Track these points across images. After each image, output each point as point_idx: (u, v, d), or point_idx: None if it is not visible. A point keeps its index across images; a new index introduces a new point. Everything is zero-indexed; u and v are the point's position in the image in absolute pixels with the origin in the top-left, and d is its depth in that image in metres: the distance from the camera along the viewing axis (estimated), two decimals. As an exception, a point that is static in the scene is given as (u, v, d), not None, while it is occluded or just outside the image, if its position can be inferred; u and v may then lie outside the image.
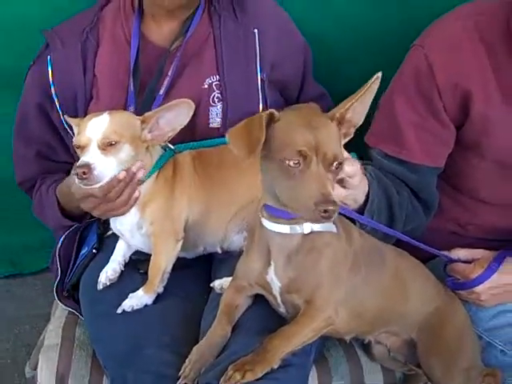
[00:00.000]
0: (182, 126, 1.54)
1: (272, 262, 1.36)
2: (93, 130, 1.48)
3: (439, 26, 1.63)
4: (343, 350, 1.66)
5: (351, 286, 1.40)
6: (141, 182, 1.55)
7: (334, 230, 1.35)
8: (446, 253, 1.63)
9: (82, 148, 1.48)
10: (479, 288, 1.59)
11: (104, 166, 1.46)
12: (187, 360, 1.39)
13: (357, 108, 1.30)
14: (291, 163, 1.22)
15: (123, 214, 1.57)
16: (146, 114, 1.54)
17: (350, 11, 2.03)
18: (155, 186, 1.58)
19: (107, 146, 1.47)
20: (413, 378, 1.67)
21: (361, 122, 1.33)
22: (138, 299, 1.56)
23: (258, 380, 1.30)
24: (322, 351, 1.65)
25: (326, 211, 1.19)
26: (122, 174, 1.49)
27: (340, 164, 1.26)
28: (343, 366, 1.64)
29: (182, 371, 1.37)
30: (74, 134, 1.61)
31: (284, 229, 1.33)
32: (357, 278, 1.41)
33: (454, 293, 1.62)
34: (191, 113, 1.52)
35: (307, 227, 1.33)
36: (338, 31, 2.05)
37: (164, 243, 1.59)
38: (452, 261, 1.64)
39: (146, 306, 1.56)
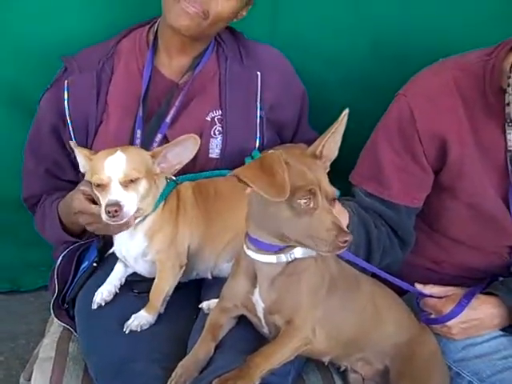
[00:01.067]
0: (189, 160, 1.65)
1: (257, 285, 1.47)
2: (112, 168, 1.56)
3: (422, 76, 1.76)
4: (320, 374, 1.73)
5: (328, 308, 1.50)
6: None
7: (314, 254, 1.46)
8: (419, 287, 1.73)
9: (104, 186, 1.56)
10: (450, 322, 1.69)
11: (129, 203, 1.55)
12: (173, 374, 1.47)
13: (331, 144, 1.42)
14: (302, 202, 1.31)
15: (116, 233, 1.66)
16: (155, 150, 1.65)
17: (346, 57, 2.16)
18: (162, 216, 1.68)
19: (129, 183, 1.56)
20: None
21: (334, 157, 1.45)
22: (143, 319, 1.64)
23: (239, 395, 1.39)
24: (301, 374, 1.73)
25: (345, 241, 1.31)
26: None
27: (335, 199, 1.38)
28: (320, 389, 1.72)
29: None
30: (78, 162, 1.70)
31: (271, 259, 1.44)
32: (333, 300, 1.51)
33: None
34: (197, 147, 1.63)
35: (298, 253, 1.43)
36: (333, 76, 2.18)
37: (169, 269, 1.69)
38: (424, 296, 1.74)
39: (150, 325, 1.64)
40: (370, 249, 1.74)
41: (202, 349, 1.51)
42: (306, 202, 1.32)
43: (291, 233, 1.35)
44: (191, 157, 1.65)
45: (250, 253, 1.46)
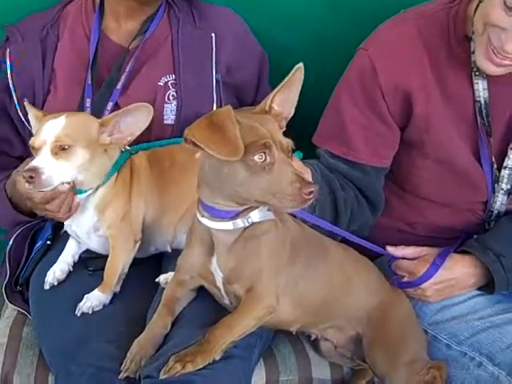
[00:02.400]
0: (142, 130, 1.56)
1: (215, 254, 1.38)
2: (48, 132, 1.48)
3: (383, 29, 1.68)
4: (291, 345, 1.68)
5: (292, 273, 1.42)
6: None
7: (273, 216, 1.38)
8: (390, 249, 1.65)
9: (36, 150, 1.48)
10: (424, 284, 1.61)
11: (54, 171, 1.46)
12: (128, 353, 1.40)
13: (284, 100, 1.33)
14: (257, 158, 1.23)
15: (65, 220, 1.58)
16: (105, 118, 1.56)
17: (304, 15, 2.07)
18: (114, 189, 1.59)
19: (59, 150, 1.47)
20: (360, 373, 1.68)
21: (291, 115, 1.36)
22: (96, 299, 1.56)
23: (198, 370, 1.31)
24: (271, 347, 1.66)
25: (311, 192, 1.22)
26: (65, 187, 1.49)
27: (293, 151, 1.30)
28: (291, 361, 1.65)
29: (123, 364, 1.38)
30: (29, 124, 1.63)
31: (227, 226, 1.35)
32: (297, 265, 1.43)
33: (398, 288, 1.65)
34: (150, 117, 1.54)
35: (255, 217, 1.35)
36: (295, 38, 2.09)
37: (122, 245, 1.60)
38: (396, 259, 1.66)
39: (104, 306, 1.56)
40: (337, 210, 1.66)
41: (157, 324, 1.43)
42: (261, 158, 1.23)
43: (251, 193, 1.26)
44: (144, 127, 1.56)
45: (204, 220, 1.36)
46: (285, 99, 1.34)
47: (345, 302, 1.54)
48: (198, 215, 1.37)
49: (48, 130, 1.49)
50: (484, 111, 1.60)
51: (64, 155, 1.48)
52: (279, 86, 1.33)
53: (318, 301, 1.49)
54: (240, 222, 1.35)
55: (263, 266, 1.38)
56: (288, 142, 1.28)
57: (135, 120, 1.54)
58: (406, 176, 1.75)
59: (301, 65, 1.35)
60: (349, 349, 1.61)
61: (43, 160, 1.46)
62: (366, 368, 1.65)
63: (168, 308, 1.45)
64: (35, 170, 1.44)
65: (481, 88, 1.59)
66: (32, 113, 1.60)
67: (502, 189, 1.67)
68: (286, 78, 1.33)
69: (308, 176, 1.54)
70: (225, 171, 1.26)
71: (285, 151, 1.27)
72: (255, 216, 1.36)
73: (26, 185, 1.45)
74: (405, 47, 1.62)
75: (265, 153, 1.23)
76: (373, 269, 1.62)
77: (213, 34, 1.78)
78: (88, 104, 1.71)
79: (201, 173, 1.33)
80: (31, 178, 1.43)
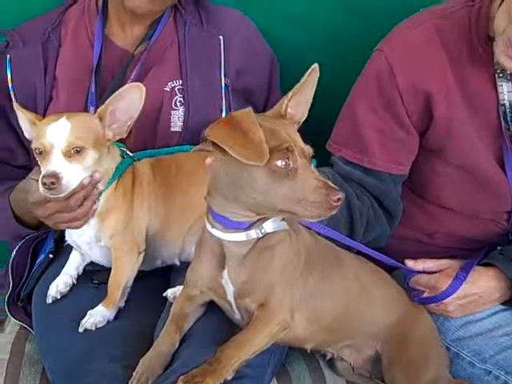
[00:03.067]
0: (139, 112, 1.49)
1: (226, 266, 1.31)
2: (54, 135, 1.43)
3: (400, 30, 1.62)
4: (306, 363, 1.60)
5: (307, 286, 1.35)
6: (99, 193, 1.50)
7: (287, 227, 1.31)
8: (410, 264, 1.56)
9: (45, 154, 1.42)
10: (447, 299, 1.53)
11: (71, 175, 1.42)
12: (134, 372, 1.32)
13: (298, 103, 1.27)
14: (279, 163, 1.16)
15: (78, 227, 1.51)
16: (99, 110, 1.50)
17: (316, 15, 2.02)
18: (115, 196, 1.53)
19: (73, 152, 1.42)
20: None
21: (304, 118, 1.30)
22: (99, 315, 1.50)
23: (211, 393, 1.24)
24: (284, 364, 1.59)
25: (338, 199, 1.16)
26: (87, 180, 1.45)
27: (311, 159, 1.23)
28: (306, 380, 1.57)
29: None
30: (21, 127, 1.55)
31: (240, 237, 1.28)
32: (312, 279, 1.36)
33: (419, 303, 1.57)
34: (143, 96, 1.48)
35: (268, 227, 1.28)
36: (307, 41, 2.03)
37: (125, 256, 1.54)
38: (416, 273, 1.57)
39: (108, 322, 1.50)
40: (352, 222, 1.59)
41: (164, 342, 1.36)
42: (283, 163, 1.17)
43: (273, 201, 1.19)
44: (140, 108, 1.48)
45: (215, 232, 1.29)
46: (298, 102, 1.28)
47: (362, 316, 1.46)
48: (208, 226, 1.30)
49: (54, 133, 1.43)
50: (509, 115, 1.53)
51: (77, 157, 1.43)
52: (295, 89, 1.27)
53: (334, 315, 1.42)
54: (253, 233, 1.28)
55: (277, 279, 1.30)
56: (309, 149, 1.22)
57: (129, 103, 1.48)
58: (426, 184, 1.68)
59: (316, 66, 1.29)
60: (366, 369, 1.53)
61: (59, 164, 1.41)
62: (384, 387, 1.58)
63: (176, 324, 1.38)
64: (56, 175, 1.39)
65: (505, 90, 1.52)
66: (25, 116, 1.52)
67: None
68: (302, 80, 1.27)
69: None
70: (244, 177, 1.18)
71: (306, 157, 1.21)
72: (269, 226, 1.29)
73: (43, 190, 1.39)
74: (423, 48, 1.55)
75: (288, 158, 1.17)
76: (391, 282, 1.54)
77: (221, 37, 1.72)
78: (92, 112, 1.64)
79: (213, 180, 1.25)
80: (53, 183, 1.38)
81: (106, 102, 1.49)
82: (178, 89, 1.69)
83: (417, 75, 1.53)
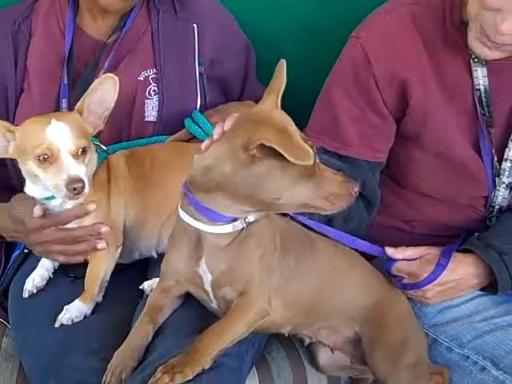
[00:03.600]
0: (114, 102, 1.48)
1: (203, 256, 1.30)
2: (58, 138, 1.39)
3: (375, 16, 1.61)
4: (285, 352, 1.60)
5: (283, 272, 1.35)
6: None
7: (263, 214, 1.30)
8: (390, 251, 1.55)
9: (52, 159, 1.38)
10: (426, 286, 1.53)
11: (85, 176, 1.40)
12: (108, 366, 1.31)
13: None
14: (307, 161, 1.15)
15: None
16: (78, 106, 1.47)
17: (292, 4, 2.01)
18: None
19: (79, 154, 1.41)
20: (359, 382, 1.61)
21: None
22: (76, 310, 1.48)
23: (187, 382, 1.23)
24: (264, 354, 1.59)
25: (357, 190, 1.23)
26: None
27: None
28: (285, 369, 1.58)
29: (103, 378, 1.30)
30: None
31: (226, 229, 1.27)
32: (287, 262, 1.36)
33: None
34: (117, 86, 1.46)
35: (251, 216, 1.28)
36: (283, 29, 2.03)
37: (103, 251, 1.51)
38: (394, 260, 1.56)
39: (85, 316, 1.48)
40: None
41: (138, 335, 1.35)
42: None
43: (299, 199, 1.21)
44: (115, 98, 1.47)
45: (198, 225, 1.26)
46: None
47: (338, 298, 1.46)
48: (189, 219, 1.27)
49: (56, 135, 1.39)
50: (484, 100, 1.52)
51: (82, 158, 1.42)
52: (283, 88, 1.27)
53: (310, 298, 1.41)
54: (239, 224, 1.27)
55: (256, 267, 1.30)
56: (312, 144, 1.22)
57: (103, 94, 1.47)
58: (403, 171, 1.68)
59: (283, 60, 1.31)
60: (347, 351, 1.53)
61: (76, 167, 1.39)
62: (364, 377, 1.58)
63: (150, 317, 1.37)
64: (81, 179, 1.37)
65: (480, 75, 1.52)
66: None
67: (504, 182, 1.59)
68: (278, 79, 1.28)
69: None
70: (278, 179, 1.18)
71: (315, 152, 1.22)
72: (251, 215, 1.28)
73: (71, 198, 1.38)
74: (399, 35, 1.54)
75: (314, 155, 1.18)
76: (366, 264, 1.54)
77: (195, 25, 1.70)
78: (64, 104, 1.63)
79: (215, 178, 1.20)
80: (82, 188, 1.37)
81: (83, 97, 1.47)
82: (151, 78, 1.67)
83: (392, 63, 1.53)
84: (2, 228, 1.57)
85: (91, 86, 1.46)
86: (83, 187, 1.38)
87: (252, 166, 1.17)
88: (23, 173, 1.46)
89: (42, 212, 1.46)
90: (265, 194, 1.19)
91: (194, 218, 1.27)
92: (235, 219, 1.26)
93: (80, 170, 1.40)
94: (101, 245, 1.47)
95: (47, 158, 1.39)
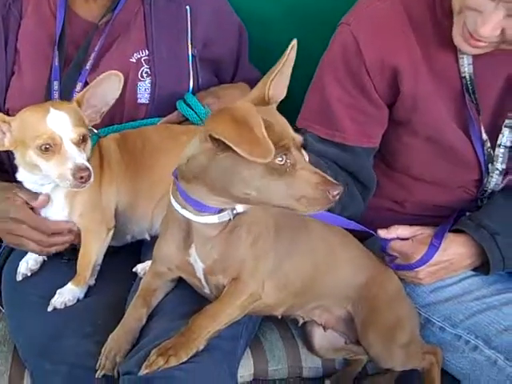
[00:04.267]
0: (115, 99, 1.47)
1: (193, 245, 1.29)
2: (59, 127, 1.38)
3: (365, 2, 1.59)
4: (279, 333, 1.61)
5: (276, 254, 1.34)
6: None
7: None
8: (382, 233, 1.56)
9: (54, 148, 1.37)
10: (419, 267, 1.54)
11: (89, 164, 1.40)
12: (103, 349, 1.32)
13: (276, 83, 1.21)
14: (278, 160, 1.11)
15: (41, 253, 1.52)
16: (77, 97, 1.46)
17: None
18: None
19: (81, 142, 1.40)
20: (353, 363, 1.62)
21: (283, 97, 1.24)
22: (69, 294, 1.48)
23: (181, 364, 1.23)
24: (258, 336, 1.60)
25: (338, 193, 1.13)
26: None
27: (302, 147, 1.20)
28: (279, 350, 1.59)
29: (98, 362, 1.31)
30: None
31: (212, 219, 1.25)
32: (280, 245, 1.35)
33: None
34: (121, 84, 1.46)
35: (239, 207, 1.26)
36: (276, 11, 2.01)
37: (95, 234, 1.52)
38: (388, 241, 1.57)
39: (78, 300, 1.48)
40: None
41: (132, 317, 1.35)
42: (281, 160, 1.12)
43: (269, 198, 1.14)
44: (117, 96, 1.47)
45: (185, 213, 1.25)
46: (277, 81, 1.22)
47: (330, 278, 1.46)
48: (178, 206, 1.26)
49: (57, 124, 1.38)
50: (470, 87, 1.52)
51: (83, 146, 1.42)
52: (276, 71, 1.20)
53: (302, 279, 1.42)
54: (226, 215, 1.25)
55: (248, 254, 1.30)
56: (300, 138, 1.17)
57: (107, 90, 1.46)
58: (394, 155, 1.68)
59: (295, 42, 1.22)
60: (340, 330, 1.54)
61: (80, 155, 1.39)
62: (359, 358, 1.59)
63: (143, 299, 1.37)
64: (87, 167, 1.37)
65: (466, 63, 1.51)
66: None
67: (497, 169, 1.59)
68: (283, 59, 1.21)
69: None
70: (242, 174, 1.13)
71: (298, 148, 1.16)
72: (240, 206, 1.26)
73: (78, 186, 1.38)
74: (389, 21, 1.53)
75: (286, 154, 1.12)
76: (357, 244, 1.54)
77: (187, 7, 1.69)
78: (56, 87, 1.61)
79: (194, 169, 1.18)
80: (89, 176, 1.37)
81: (85, 89, 1.46)
82: (144, 59, 1.66)
83: (383, 50, 1.52)
84: None
85: (95, 80, 1.45)
86: (90, 175, 1.37)
87: (217, 158, 1.15)
88: (18, 162, 1.45)
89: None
90: (235, 189, 1.16)
91: (182, 207, 1.25)
92: (221, 210, 1.24)
93: (83, 158, 1.39)
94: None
95: (49, 148, 1.37)
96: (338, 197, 1.14)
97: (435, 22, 1.52)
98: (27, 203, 1.48)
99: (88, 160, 1.46)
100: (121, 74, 1.45)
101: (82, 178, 1.36)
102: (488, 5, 1.34)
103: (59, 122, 1.39)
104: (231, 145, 1.07)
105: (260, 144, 1.07)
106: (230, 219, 1.26)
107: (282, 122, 1.17)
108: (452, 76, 1.54)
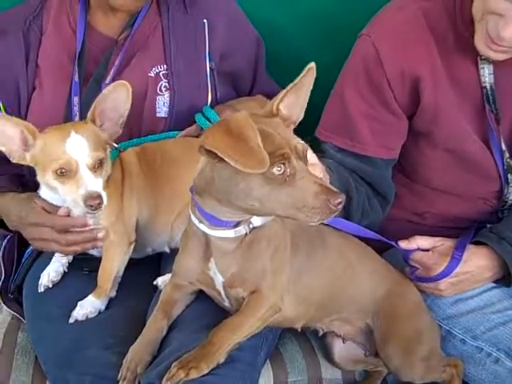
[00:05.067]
0: (128, 109, 1.47)
1: (212, 258, 1.30)
2: (77, 152, 1.39)
3: (385, 13, 1.60)
4: (299, 344, 1.61)
5: (294, 267, 1.34)
6: None
7: (271, 217, 1.29)
8: (403, 244, 1.55)
9: (70, 173, 1.38)
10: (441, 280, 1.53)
11: (101, 189, 1.41)
12: (124, 361, 1.33)
13: (293, 103, 1.22)
14: (275, 170, 1.11)
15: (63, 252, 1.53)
16: (89, 115, 1.47)
17: (307, 3, 1.99)
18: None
19: (97, 167, 1.41)
20: (373, 374, 1.61)
21: (300, 119, 1.25)
22: (90, 306, 1.49)
23: (202, 376, 1.24)
24: (278, 347, 1.60)
25: (339, 203, 1.12)
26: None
27: (307, 155, 1.20)
28: (299, 361, 1.59)
29: (120, 373, 1.31)
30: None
31: (228, 234, 1.26)
32: (298, 258, 1.36)
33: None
34: (130, 93, 1.46)
35: (256, 221, 1.26)
36: (294, 24, 2.02)
37: (116, 247, 1.53)
38: (410, 252, 1.56)
39: (99, 312, 1.49)
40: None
41: (152, 329, 1.36)
42: (280, 170, 1.12)
43: (271, 209, 1.15)
44: (128, 106, 1.47)
45: (202, 227, 1.26)
46: (294, 102, 1.23)
47: (350, 292, 1.46)
48: (195, 221, 1.27)
49: (75, 149, 1.39)
50: (491, 97, 1.52)
51: (99, 170, 1.42)
52: (288, 88, 1.21)
53: (321, 293, 1.42)
54: (242, 230, 1.26)
55: (267, 267, 1.30)
56: (303, 146, 1.17)
57: (116, 101, 1.46)
58: (414, 166, 1.68)
59: (313, 65, 1.23)
60: (359, 342, 1.54)
61: (94, 182, 1.39)
62: (379, 370, 1.59)
63: (164, 311, 1.38)
64: (99, 195, 1.38)
65: (486, 73, 1.51)
66: (21, 126, 1.41)
67: None
68: (296, 80, 1.21)
69: (326, 178, 1.42)
70: (240, 185, 1.13)
71: (302, 157, 1.16)
72: (256, 220, 1.27)
73: (89, 213, 1.40)
74: (410, 31, 1.54)
75: (284, 164, 1.12)
76: (376, 256, 1.54)
77: (205, 21, 1.70)
78: (76, 102, 1.63)
79: (204, 183, 1.20)
80: (99, 204, 1.38)
81: (93, 104, 1.46)
82: (162, 74, 1.67)
83: (404, 61, 1.52)
84: (6, 214, 1.58)
85: (102, 93, 1.46)
86: (100, 203, 1.38)
87: (216, 170, 1.15)
88: (39, 180, 1.47)
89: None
90: (238, 200, 1.15)
91: (199, 221, 1.26)
92: (238, 224, 1.25)
93: (97, 183, 1.40)
94: (100, 234, 1.49)
95: (65, 173, 1.39)
96: (340, 206, 1.13)
97: (456, 31, 1.52)
98: (45, 210, 1.49)
99: (108, 177, 1.48)
100: (127, 83, 1.45)
101: (92, 206, 1.37)
102: (510, 8, 1.33)
103: (77, 147, 1.40)
104: (223, 156, 1.08)
105: (254, 154, 1.07)
106: (246, 233, 1.26)
107: (283, 133, 1.17)
108: (472, 86, 1.53)
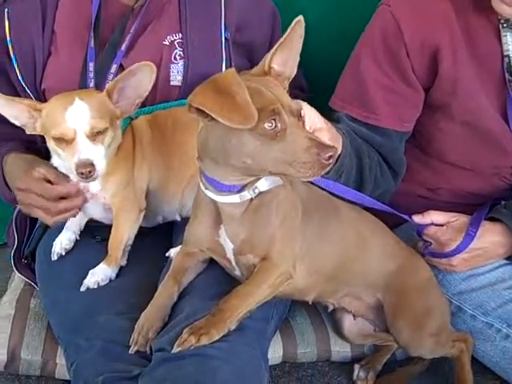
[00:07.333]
0: (148, 91, 1.46)
1: (222, 225, 1.30)
2: (75, 120, 1.38)
3: None
4: (309, 317, 1.62)
5: (305, 237, 1.34)
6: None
7: (281, 182, 1.29)
8: (417, 219, 1.55)
9: (68, 141, 1.38)
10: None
11: (99, 158, 1.40)
12: (136, 326, 1.33)
13: (285, 59, 1.22)
14: (266, 125, 1.12)
15: (51, 223, 1.51)
16: (108, 87, 1.46)
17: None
18: (117, 158, 1.50)
19: (96, 135, 1.40)
20: (383, 349, 1.62)
21: (293, 74, 1.26)
22: (101, 274, 1.49)
23: (213, 343, 1.24)
24: (288, 319, 1.60)
25: (330, 156, 1.12)
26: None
27: (302, 115, 1.20)
28: (309, 333, 1.60)
29: (131, 338, 1.32)
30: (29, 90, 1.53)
31: (234, 199, 1.26)
32: (310, 230, 1.35)
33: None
34: (154, 76, 1.45)
35: (262, 186, 1.26)
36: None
37: (126, 215, 1.53)
38: (423, 227, 1.56)
39: (110, 279, 1.50)
40: (362, 178, 1.56)
41: (163, 295, 1.36)
42: (271, 125, 1.12)
43: (263, 165, 1.15)
44: (149, 88, 1.46)
45: (209, 193, 1.27)
46: (286, 58, 1.23)
47: (361, 265, 1.46)
48: (202, 187, 1.28)
49: (74, 117, 1.38)
50: None
51: (99, 138, 1.41)
52: (277, 44, 1.22)
53: (333, 264, 1.41)
54: (247, 194, 1.26)
55: (276, 233, 1.30)
56: (298, 105, 1.17)
57: (139, 81, 1.45)
58: (429, 140, 1.66)
59: (300, 18, 1.22)
60: (369, 318, 1.54)
61: (89, 150, 1.38)
62: (388, 345, 1.59)
63: (175, 278, 1.38)
64: (91, 163, 1.37)
65: (509, 41, 1.49)
66: (22, 104, 1.44)
67: None
68: (286, 34, 1.22)
69: (339, 145, 1.42)
70: (232, 142, 1.14)
71: (295, 115, 1.17)
72: (262, 185, 1.27)
73: (81, 180, 1.40)
74: (429, 1, 1.52)
75: (275, 119, 1.13)
76: (388, 231, 1.53)
77: None
78: (91, 68, 1.61)
79: (202, 146, 1.21)
80: (90, 172, 1.37)
81: (116, 78, 1.46)
82: (177, 42, 1.66)
83: (424, 30, 1.50)
84: (10, 177, 1.58)
85: (127, 70, 1.45)
86: (91, 171, 1.37)
87: (209, 128, 1.16)
88: (49, 148, 1.47)
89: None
90: (232, 158, 1.16)
91: (205, 188, 1.27)
92: (243, 189, 1.25)
93: (95, 152, 1.39)
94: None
95: (63, 139, 1.39)
96: (331, 160, 1.12)
97: (477, 5, 1.48)
98: (46, 179, 1.48)
99: (119, 145, 1.48)
100: (153, 65, 1.44)
101: (82, 173, 1.37)
102: None
103: (77, 115, 1.39)
104: (210, 113, 1.09)
105: (241, 109, 1.08)
106: (251, 198, 1.26)
107: (275, 90, 1.17)
108: (493, 55, 1.52)
